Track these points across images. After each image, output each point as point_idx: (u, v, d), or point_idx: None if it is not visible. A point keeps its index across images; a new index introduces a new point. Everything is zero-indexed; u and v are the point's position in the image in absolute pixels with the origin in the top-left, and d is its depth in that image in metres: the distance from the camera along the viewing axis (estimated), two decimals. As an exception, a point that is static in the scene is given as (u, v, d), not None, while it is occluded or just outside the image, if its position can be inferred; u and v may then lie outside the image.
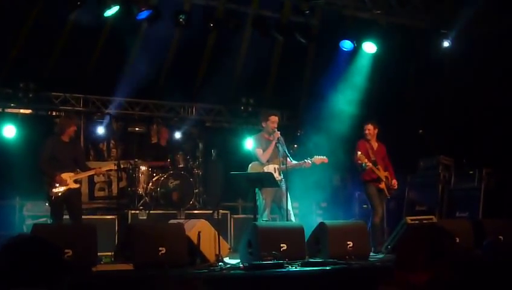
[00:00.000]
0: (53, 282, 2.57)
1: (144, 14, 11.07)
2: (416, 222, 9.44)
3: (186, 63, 13.44)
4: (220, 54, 13.57)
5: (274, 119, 9.55)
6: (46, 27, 11.90)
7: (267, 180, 8.99)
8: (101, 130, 13.22)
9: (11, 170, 11.44)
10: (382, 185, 10.26)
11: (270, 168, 9.37)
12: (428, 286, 2.52)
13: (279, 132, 9.43)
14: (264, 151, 9.49)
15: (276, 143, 9.39)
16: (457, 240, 8.94)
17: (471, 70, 12.89)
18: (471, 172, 11.87)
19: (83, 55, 12.71)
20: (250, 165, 9.58)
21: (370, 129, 10.44)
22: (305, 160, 9.60)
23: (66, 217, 9.61)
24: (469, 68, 12.93)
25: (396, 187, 10.44)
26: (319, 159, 9.68)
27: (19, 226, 11.34)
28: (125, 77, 12.88)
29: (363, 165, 10.00)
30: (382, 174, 10.27)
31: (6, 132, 12.07)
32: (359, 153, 9.97)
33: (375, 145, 10.48)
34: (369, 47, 12.88)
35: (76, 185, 9.56)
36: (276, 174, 9.21)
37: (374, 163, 10.20)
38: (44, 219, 10.73)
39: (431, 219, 9.93)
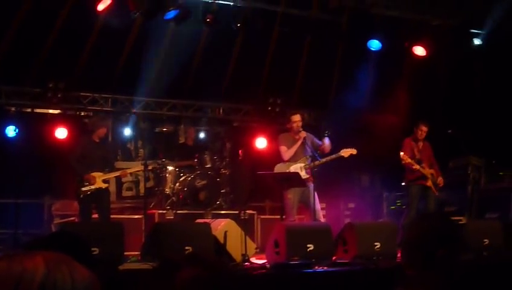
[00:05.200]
0: None
1: (171, 14, 11.07)
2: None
3: (214, 63, 13.43)
4: (248, 54, 13.53)
5: (295, 118, 9.44)
6: (75, 27, 11.97)
7: (294, 180, 8.94)
8: (128, 130, 13.26)
9: (40, 170, 11.54)
10: (429, 183, 10.21)
11: (295, 167, 9.28)
12: (438, 282, 2.42)
13: (304, 132, 9.35)
14: (288, 149, 9.41)
15: (302, 142, 9.31)
16: (487, 242, 8.89)
17: (501, 69, 12.73)
18: (501, 173, 11.71)
19: (111, 55, 12.76)
20: (276, 166, 9.50)
21: (424, 130, 10.36)
22: (332, 156, 9.42)
23: (95, 216, 9.69)
24: (500, 67, 12.76)
25: (442, 185, 10.36)
26: (347, 151, 9.41)
27: (47, 225, 11.45)
28: (154, 77, 12.91)
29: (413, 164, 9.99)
30: (427, 171, 10.22)
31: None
32: (402, 153, 9.91)
33: (420, 144, 10.42)
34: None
35: (105, 185, 9.62)
36: (302, 173, 9.14)
37: (419, 161, 10.15)
38: (72, 218, 10.81)
39: (460, 220, 9.82)
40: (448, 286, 2.41)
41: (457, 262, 2.43)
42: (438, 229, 2.52)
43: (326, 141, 9.41)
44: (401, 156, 9.89)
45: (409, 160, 9.93)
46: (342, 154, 9.40)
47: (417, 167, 10.03)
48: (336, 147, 9.51)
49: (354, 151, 9.45)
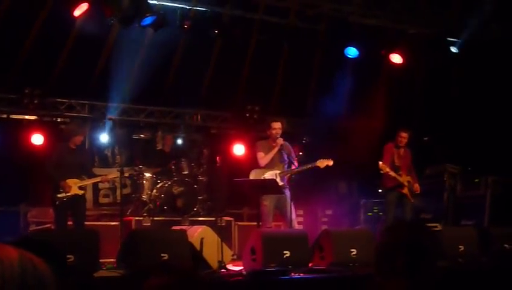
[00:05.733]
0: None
1: (148, 20, 11.02)
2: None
3: (192, 69, 13.40)
4: (226, 61, 13.54)
5: (275, 125, 9.45)
6: (51, 33, 11.89)
7: (270, 187, 8.94)
8: (105, 137, 13.17)
9: (16, 176, 11.44)
10: (405, 191, 10.24)
11: (270, 174, 9.29)
12: None
13: (282, 139, 9.36)
14: (265, 155, 9.41)
15: (279, 149, 9.31)
16: (462, 248, 8.97)
17: (477, 78, 12.85)
18: (476, 180, 11.81)
19: (88, 61, 12.69)
20: (251, 172, 9.51)
21: (405, 137, 10.39)
22: (308, 165, 9.45)
23: (70, 223, 9.61)
24: (476, 75, 12.88)
25: (418, 191, 10.40)
26: (324, 162, 9.35)
27: (23, 232, 11.33)
28: (131, 84, 12.86)
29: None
30: (404, 179, 10.24)
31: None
32: (380, 163, 9.92)
33: (401, 150, 10.45)
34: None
35: (81, 192, 9.53)
36: (277, 180, 9.14)
37: (397, 169, 10.17)
38: (48, 225, 10.71)
39: (436, 227, 9.88)
40: None
41: (427, 271, 2.44)
42: (405, 238, 2.52)
43: (295, 163, 9.43)
44: (380, 166, 9.89)
45: (387, 169, 9.94)
46: (318, 165, 9.35)
47: (394, 174, 10.07)
48: (313, 154, 9.52)
49: (330, 162, 9.39)
